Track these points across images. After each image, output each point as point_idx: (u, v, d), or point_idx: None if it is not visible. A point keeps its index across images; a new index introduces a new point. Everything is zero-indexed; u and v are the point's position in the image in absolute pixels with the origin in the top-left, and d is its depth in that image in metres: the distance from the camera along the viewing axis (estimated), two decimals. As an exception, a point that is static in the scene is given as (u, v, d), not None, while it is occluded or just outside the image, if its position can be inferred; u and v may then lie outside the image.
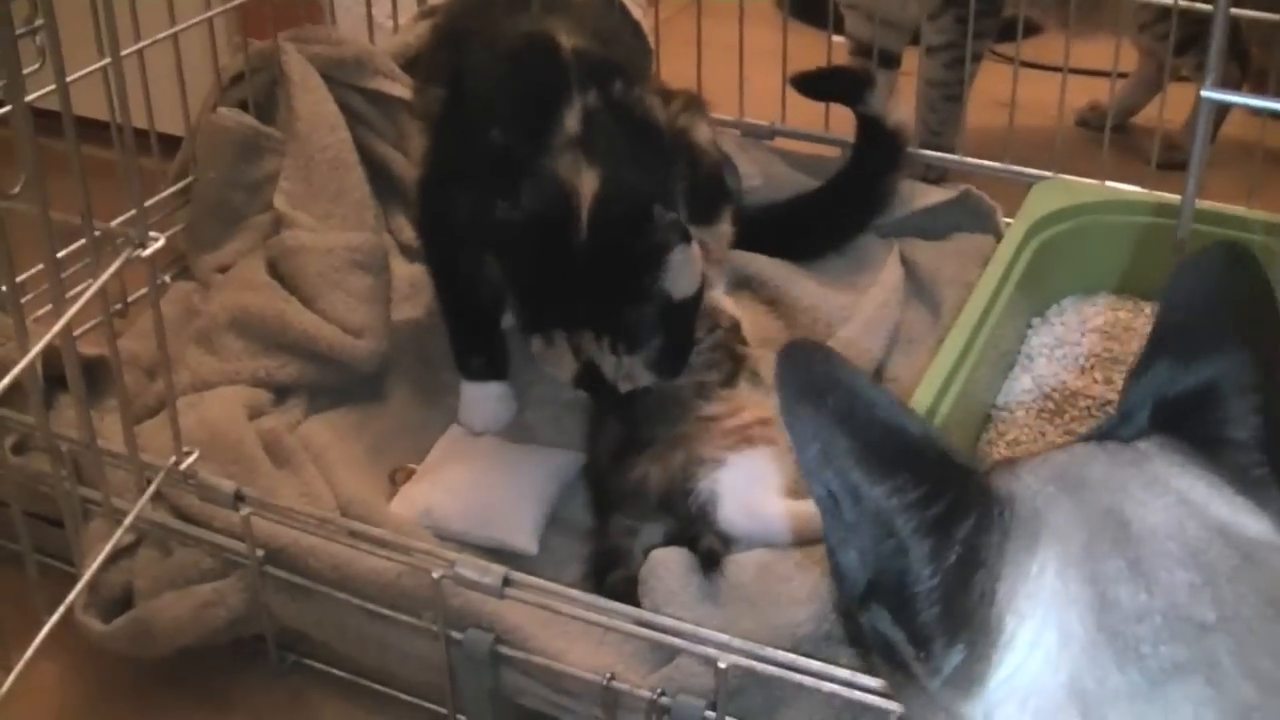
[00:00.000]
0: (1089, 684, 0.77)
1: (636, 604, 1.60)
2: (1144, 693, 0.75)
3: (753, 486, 1.72)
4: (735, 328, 1.97)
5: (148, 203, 2.10)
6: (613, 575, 1.68)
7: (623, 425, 1.82)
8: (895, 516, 0.79)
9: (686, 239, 1.69)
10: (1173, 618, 0.76)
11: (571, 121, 1.75)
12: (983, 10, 2.42)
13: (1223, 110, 2.25)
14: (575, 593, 1.55)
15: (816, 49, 2.44)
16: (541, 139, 1.75)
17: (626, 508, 1.75)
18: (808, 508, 1.70)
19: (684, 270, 1.70)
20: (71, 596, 1.53)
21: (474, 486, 1.82)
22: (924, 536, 0.79)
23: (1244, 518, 0.81)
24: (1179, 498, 0.81)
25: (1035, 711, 0.77)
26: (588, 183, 1.71)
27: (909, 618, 0.80)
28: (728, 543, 1.68)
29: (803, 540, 1.67)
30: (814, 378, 0.81)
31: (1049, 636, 0.78)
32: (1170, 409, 0.85)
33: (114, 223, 1.63)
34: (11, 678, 1.39)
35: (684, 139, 2.09)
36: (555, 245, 1.71)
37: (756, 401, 1.84)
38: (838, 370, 0.82)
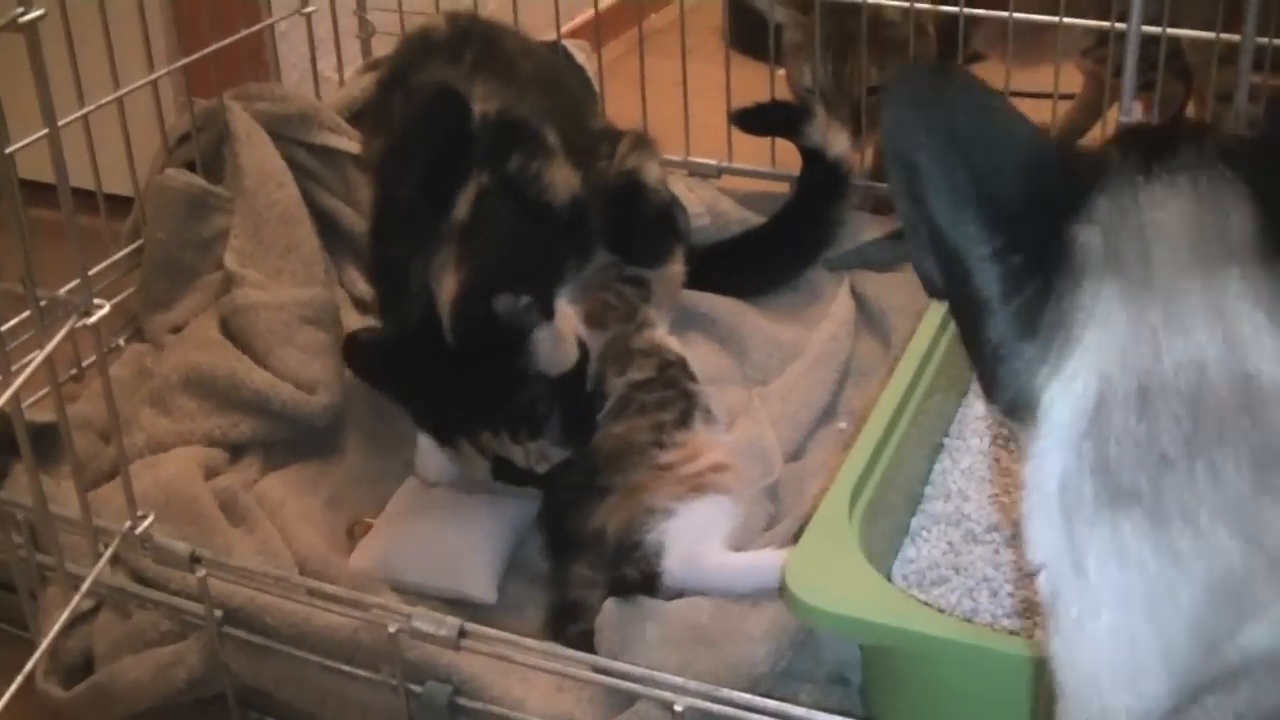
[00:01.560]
0: (1070, 484, 0.84)
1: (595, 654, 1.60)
2: (1101, 508, 0.82)
3: (697, 538, 1.73)
4: (682, 363, 1.97)
5: (98, 267, 2.12)
6: (572, 629, 1.68)
7: (583, 473, 1.82)
8: (970, 261, 0.86)
9: (547, 316, 1.71)
10: (1144, 448, 0.81)
11: (463, 206, 1.77)
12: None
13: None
14: (531, 641, 1.55)
15: (761, 81, 2.45)
16: (437, 213, 1.78)
17: (586, 558, 1.75)
18: (750, 560, 1.71)
19: (552, 348, 1.72)
20: (31, 664, 1.52)
21: (431, 538, 1.83)
22: (993, 283, 0.86)
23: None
24: (1225, 337, 0.82)
25: (1029, 481, 0.86)
26: (448, 289, 1.73)
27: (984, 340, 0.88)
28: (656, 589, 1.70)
29: (743, 593, 1.67)
30: (922, 101, 0.87)
31: (1061, 438, 0.85)
32: None
33: (60, 291, 1.63)
34: (-29, 747, 1.39)
35: (633, 179, 2.11)
36: (427, 361, 1.75)
37: (712, 444, 1.85)
38: (954, 92, 0.87)
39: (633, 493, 1.76)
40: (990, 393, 0.89)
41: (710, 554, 1.71)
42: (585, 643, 1.63)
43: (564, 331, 1.73)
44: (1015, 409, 0.88)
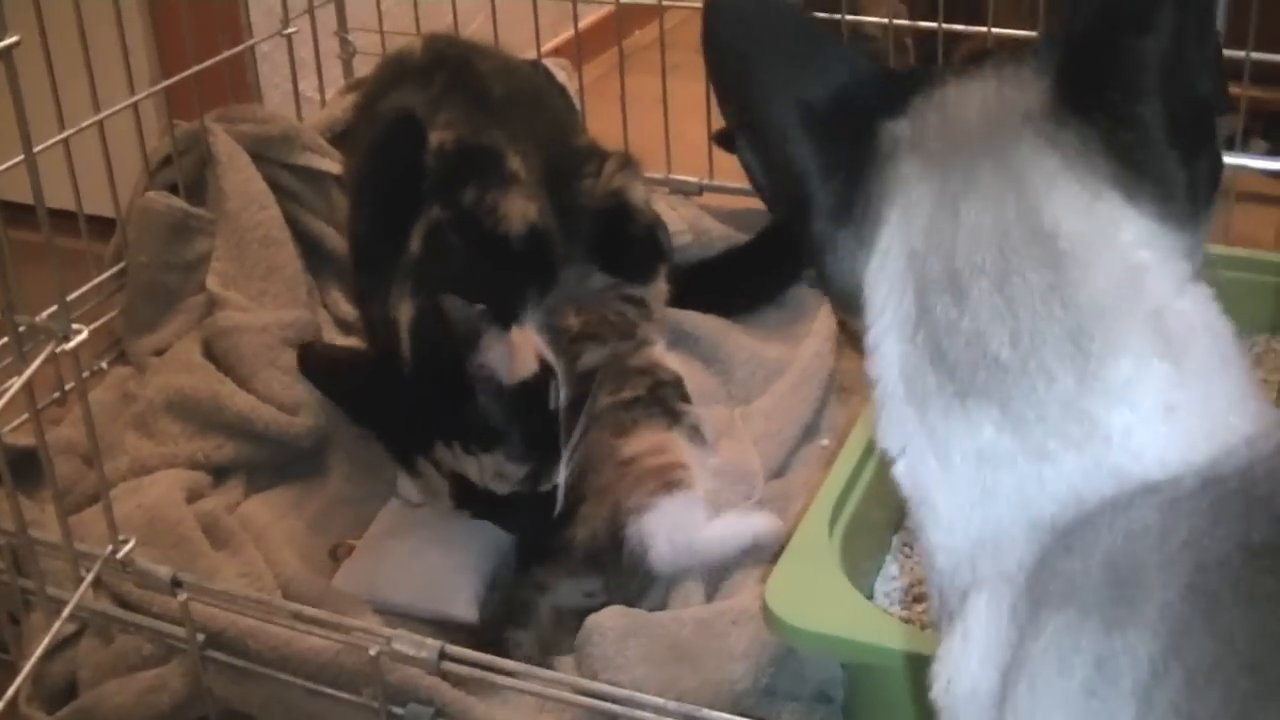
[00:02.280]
0: (915, 378, 0.86)
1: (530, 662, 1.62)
2: (952, 402, 0.85)
3: (681, 523, 1.74)
4: (676, 383, 1.98)
5: (79, 290, 2.12)
6: (507, 631, 1.70)
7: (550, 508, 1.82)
8: (791, 154, 0.90)
9: (503, 324, 1.71)
10: (976, 345, 0.84)
11: (416, 241, 1.78)
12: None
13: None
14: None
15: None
16: (394, 246, 1.79)
17: (548, 563, 1.76)
18: (734, 522, 1.73)
19: (504, 355, 1.72)
20: (14, 688, 1.52)
21: (413, 559, 1.82)
22: (813, 176, 0.90)
23: (1084, 222, 0.84)
24: (1019, 191, 0.85)
25: (872, 370, 0.89)
26: (405, 315, 1.75)
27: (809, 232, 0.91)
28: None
29: (734, 556, 1.73)
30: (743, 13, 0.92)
31: (888, 324, 0.87)
32: (1082, 61, 0.87)
33: (39, 317, 1.63)
34: (-45, 775, 1.39)
35: (619, 199, 2.11)
36: (383, 376, 1.77)
37: (673, 442, 1.86)
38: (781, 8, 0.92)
39: (603, 494, 1.77)
40: (825, 289, 0.93)
41: (701, 531, 1.74)
42: (514, 649, 1.66)
43: (520, 345, 1.72)
44: (846, 301, 0.91)
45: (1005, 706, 0.81)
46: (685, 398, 1.96)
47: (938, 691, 0.87)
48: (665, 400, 1.93)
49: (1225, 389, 0.83)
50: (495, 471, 1.75)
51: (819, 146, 0.89)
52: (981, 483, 0.84)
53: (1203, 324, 0.84)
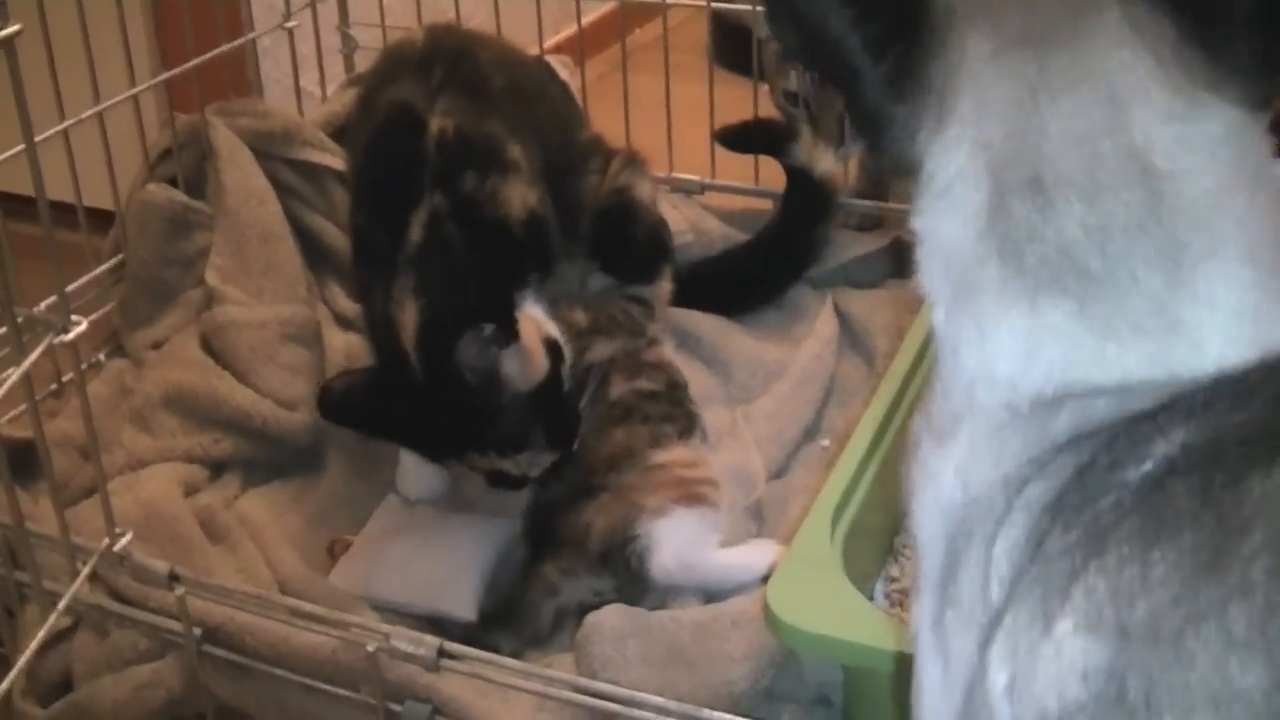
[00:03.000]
0: (976, 265, 0.86)
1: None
2: (1019, 293, 0.85)
3: (690, 539, 1.73)
4: (685, 387, 1.98)
5: (78, 283, 2.11)
6: (512, 631, 1.71)
7: (578, 472, 1.82)
8: (833, 29, 0.87)
9: (511, 339, 1.69)
10: (1061, 253, 0.84)
11: (416, 229, 1.76)
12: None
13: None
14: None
15: (746, 100, 2.45)
16: (395, 238, 1.77)
17: (563, 558, 1.75)
18: (742, 554, 1.72)
19: (521, 367, 1.71)
20: (7, 682, 1.51)
21: (412, 557, 1.82)
22: (858, 50, 0.87)
23: (1176, 131, 0.83)
24: (1109, 94, 0.83)
25: (923, 236, 0.90)
26: (409, 318, 1.73)
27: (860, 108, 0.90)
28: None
29: (735, 587, 1.71)
30: None
31: (953, 206, 0.87)
32: None
33: (37, 308, 1.62)
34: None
35: (625, 197, 2.10)
36: (402, 394, 1.75)
37: (707, 460, 1.85)
38: None
39: (624, 493, 1.77)
40: (876, 157, 0.94)
41: (706, 553, 1.73)
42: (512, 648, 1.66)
43: (530, 345, 1.71)
44: (900, 168, 0.90)
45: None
46: (693, 401, 1.96)
47: (919, 507, 0.89)
48: (682, 401, 1.93)
49: None
50: (530, 464, 1.76)
51: (863, 19, 0.87)
52: (1025, 349, 0.85)
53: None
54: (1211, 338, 0.82)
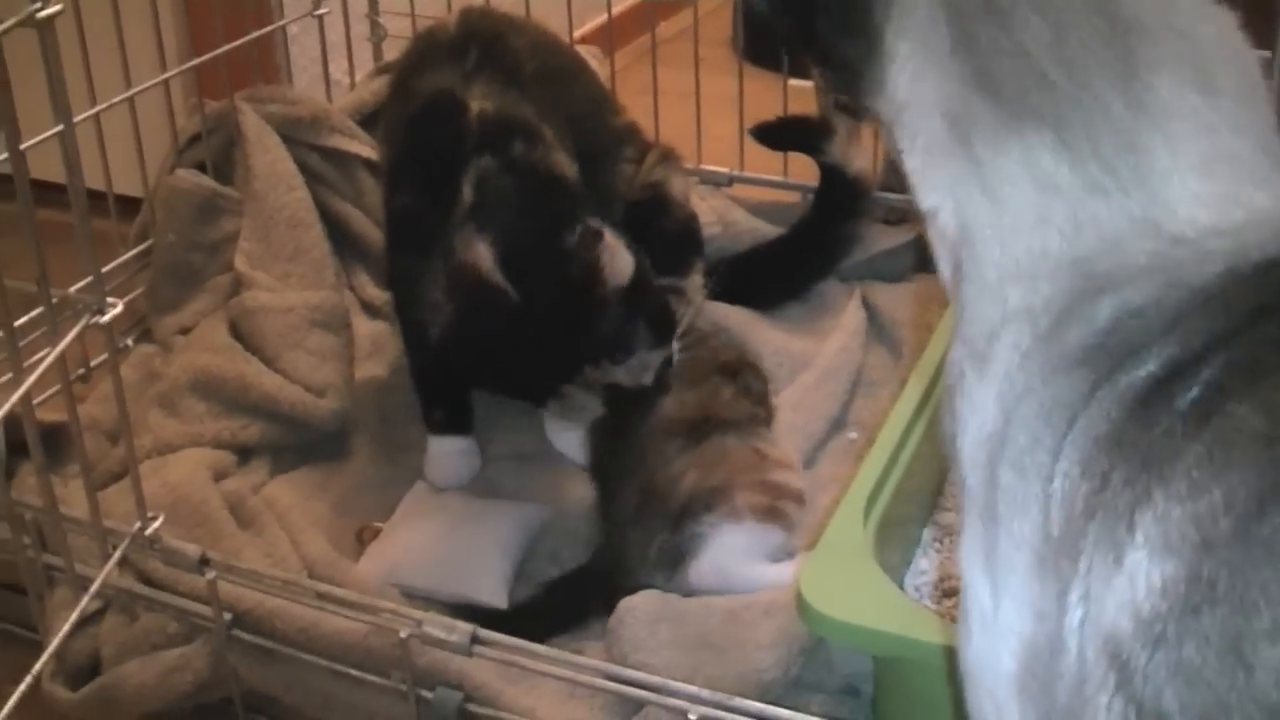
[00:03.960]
0: (961, 110, 0.88)
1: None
2: (1004, 126, 0.87)
3: (742, 554, 1.73)
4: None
5: (107, 267, 2.11)
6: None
7: (686, 416, 1.83)
8: None
9: (600, 234, 1.70)
10: (1023, 62, 0.86)
11: (467, 190, 1.77)
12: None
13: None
14: (543, 648, 1.54)
15: (773, 94, 2.44)
16: (444, 208, 1.77)
17: (648, 510, 1.75)
18: (777, 573, 1.71)
19: (613, 259, 1.72)
20: (39, 666, 1.51)
21: (440, 543, 1.82)
22: None
23: None
24: None
25: (910, 127, 0.92)
26: (484, 252, 1.72)
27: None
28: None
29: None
30: None
31: (920, 57, 0.90)
32: None
33: (72, 289, 1.62)
34: (-21, 749, 1.39)
35: (659, 191, 2.11)
36: (501, 328, 1.73)
37: (799, 469, 1.87)
38: None
39: (722, 459, 1.77)
40: (830, 65, 0.98)
41: (743, 565, 1.72)
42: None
43: (611, 241, 1.73)
44: (858, 64, 0.94)
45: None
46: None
47: (966, 443, 0.90)
48: (752, 389, 1.94)
49: (1250, 155, 0.86)
50: (641, 368, 1.77)
51: None
52: (1036, 210, 0.86)
53: (1231, 55, 0.88)
54: (1181, 196, 0.84)
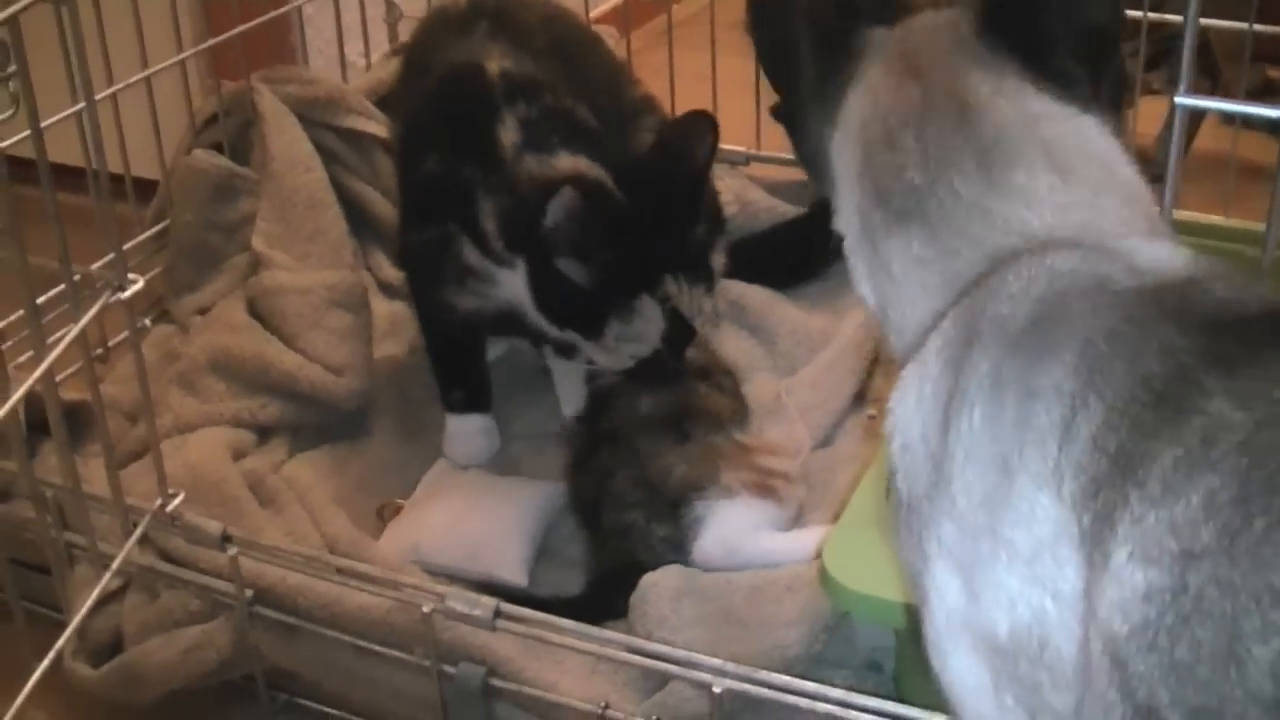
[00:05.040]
0: (866, 216, 1.08)
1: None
2: (892, 224, 1.06)
3: (743, 528, 1.72)
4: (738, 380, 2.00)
5: (125, 246, 2.10)
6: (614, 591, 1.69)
7: (673, 410, 1.83)
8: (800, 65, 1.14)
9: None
10: (900, 177, 1.05)
11: (508, 133, 1.78)
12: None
13: (1195, 122, 2.25)
14: (567, 623, 1.54)
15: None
16: (478, 162, 1.78)
17: (644, 498, 1.75)
18: (787, 541, 1.71)
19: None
20: (60, 643, 1.51)
21: (462, 520, 1.82)
22: (810, 75, 1.14)
23: (991, 88, 1.06)
24: (947, 74, 1.08)
25: (842, 226, 1.12)
26: (568, 163, 1.75)
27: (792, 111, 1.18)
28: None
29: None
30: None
31: (845, 179, 1.11)
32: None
33: (92, 267, 1.62)
34: (3, 726, 1.39)
35: None
36: (603, 233, 1.74)
37: (790, 452, 1.86)
38: None
39: (709, 453, 1.77)
40: (805, 162, 1.18)
41: (748, 538, 1.71)
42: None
43: None
44: (816, 170, 1.15)
45: (949, 435, 0.94)
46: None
47: (894, 450, 1.02)
48: (734, 391, 1.94)
49: (1113, 206, 1.03)
50: (698, 304, 1.81)
51: (817, 34, 1.13)
52: (921, 282, 1.04)
53: (1092, 155, 1.05)
54: (1041, 225, 1.01)
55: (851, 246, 1.11)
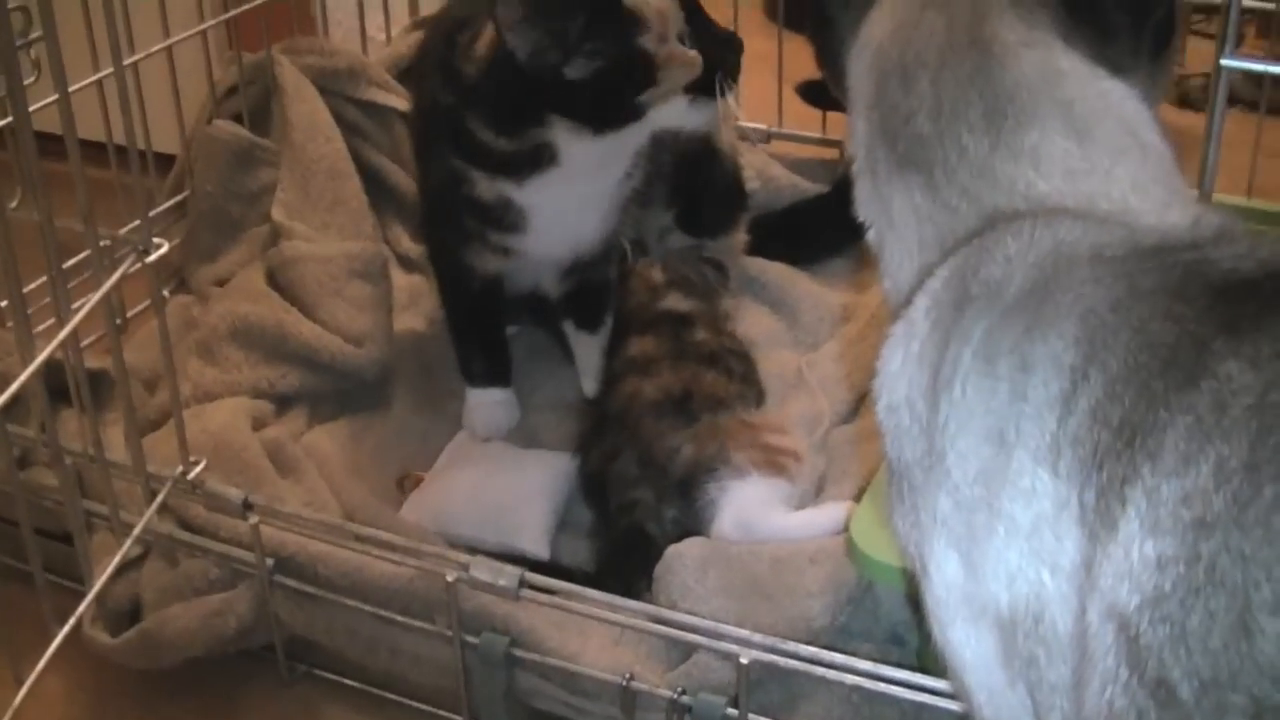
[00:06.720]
0: (871, 150, 1.10)
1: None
2: (895, 168, 1.07)
3: (757, 505, 1.71)
4: (754, 362, 1.99)
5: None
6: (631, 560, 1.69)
7: (679, 392, 1.82)
8: None
9: None
10: (909, 122, 1.05)
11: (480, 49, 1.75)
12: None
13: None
14: (591, 592, 1.53)
15: (809, 54, 2.42)
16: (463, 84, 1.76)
17: (645, 481, 1.75)
18: (807, 516, 1.70)
19: None
20: (80, 610, 1.51)
21: (483, 491, 1.81)
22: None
23: (1017, 37, 1.05)
24: (974, 11, 1.06)
25: (852, 148, 1.14)
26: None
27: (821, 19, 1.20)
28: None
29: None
30: None
31: (858, 103, 1.12)
32: None
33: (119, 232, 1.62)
34: (23, 692, 1.38)
35: (707, 145, 2.10)
36: None
37: (794, 431, 1.85)
38: None
39: (716, 433, 1.76)
40: (824, 70, 1.20)
41: (766, 515, 1.70)
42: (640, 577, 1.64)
43: None
44: (836, 81, 1.17)
45: (941, 402, 0.94)
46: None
47: (880, 410, 1.07)
48: (749, 376, 1.93)
49: (1130, 174, 1.01)
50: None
51: None
52: (918, 235, 1.05)
53: (1116, 120, 1.03)
54: (1047, 191, 1.00)
55: (859, 170, 1.12)
